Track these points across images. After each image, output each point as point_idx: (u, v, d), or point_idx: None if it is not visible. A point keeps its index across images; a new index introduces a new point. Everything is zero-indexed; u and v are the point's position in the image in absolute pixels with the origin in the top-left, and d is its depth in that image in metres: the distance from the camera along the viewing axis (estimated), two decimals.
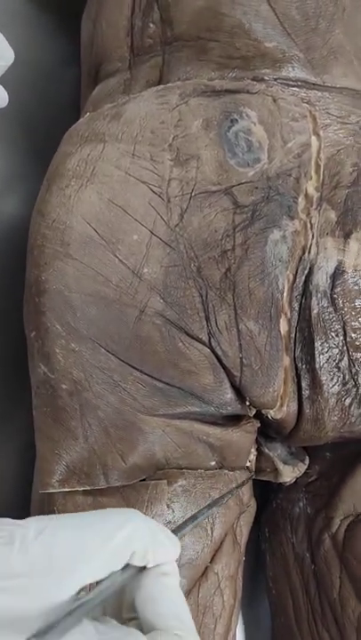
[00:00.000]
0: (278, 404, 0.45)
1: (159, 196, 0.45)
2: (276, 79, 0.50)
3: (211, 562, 0.45)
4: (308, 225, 0.46)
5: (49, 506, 0.42)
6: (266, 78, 0.50)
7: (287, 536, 0.55)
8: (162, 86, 0.48)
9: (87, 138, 0.47)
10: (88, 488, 0.41)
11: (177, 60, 0.50)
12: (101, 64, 0.52)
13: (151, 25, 0.51)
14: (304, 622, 0.53)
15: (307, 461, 0.52)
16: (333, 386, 0.46)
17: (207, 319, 0.43)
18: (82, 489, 0.41)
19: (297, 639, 0.53)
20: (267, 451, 0.50)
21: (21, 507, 0.49)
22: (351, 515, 0.50)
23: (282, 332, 0.44)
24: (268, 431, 0.50)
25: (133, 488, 0.43)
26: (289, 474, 0.50)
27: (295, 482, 0.53)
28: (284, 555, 0.55)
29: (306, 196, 0.47)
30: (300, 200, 0.46)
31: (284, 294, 0.45)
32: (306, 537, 0.53)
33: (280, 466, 0.50)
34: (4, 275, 0.56)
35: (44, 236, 0.45)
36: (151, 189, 0.45)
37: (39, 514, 0.45)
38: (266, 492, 0.57)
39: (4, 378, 0.56)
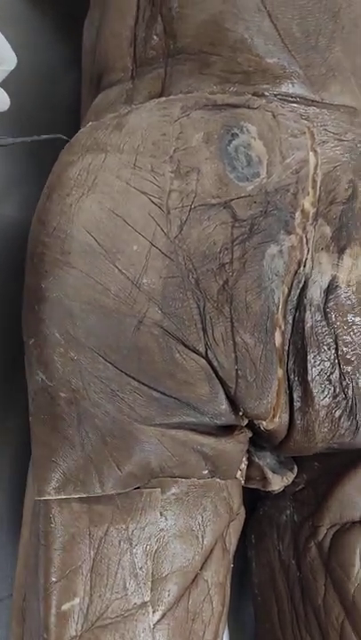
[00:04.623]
0: (271, 415, 0.46)
1: (159, 208, 0.45)
2: (275, 95, 0.51)
3: (201, 569, 0.46)
4: (305, 240, 0.47)
5: (45, 513, 0.42)
6: (266, 94, 0.50)
7: (273, 543, 0.56)
8: (164, 98, 0.49)
9: (89, 147, 0.47)
10: (84, 496, 0.42)
11: (179, 73, 0.50)
12: (103, 73, 0.53)
13: (155, 37, 0.51)
14: (288, 628, 0.54)
15: (295, 471, 0.53)
16: (324, 398, 0.47)
17: (204, 331, 0.44)
18: (78, 496, 0.42)
19: None
20: (256, 460, 0.51)
21: (14, 509, 0.49)
22: (337, 524, 0.52)
23: (276, 345, 0.45)
24: (259, 441, 0.51)
25: (128, 496, 0.43)
26: (278, 483, 0.51)
27: (283, 490, 0.54)
28: (270, 562, 0.56)
29: (303, 211, 0.47)
30: (297, 215, 0.47)
31: (280, 307, 0.46)
32: (292, 544, 0.54)
33: (269, 475, 0.51)
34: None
35: (45, 244, 0.45)
36: (152, 200, 0.45)
37: (34, 521, 0.45)
38: (253, 499, 0.58)
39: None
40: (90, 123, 0.49)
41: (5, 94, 0.48)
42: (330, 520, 0.52)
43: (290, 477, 0.52)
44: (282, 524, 0.56)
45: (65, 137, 0.53)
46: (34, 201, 0.54)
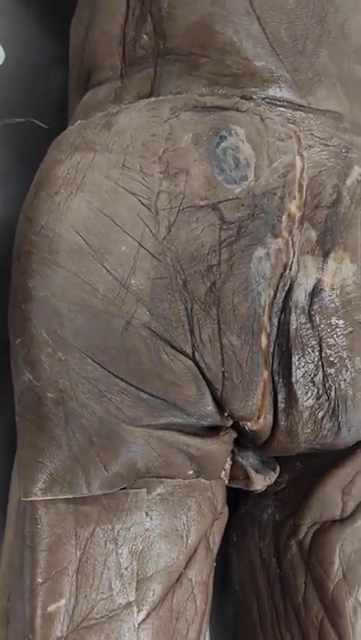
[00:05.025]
0: (256, 416, 0.46)
1: (148, 209, 0.45)
2: (263, 98, 0.51)
3: (185, 568, 0.46)
4: (290, 243, 0.48)
5: (31, 514, 0.42)
6: (254, 97, 0.51)
7: (255, 541, 0.57)
8: (153, 99, 0.49)
9: (77, 146, 0.47)
10: (70, 496, 0.42)
11: (169, 74, 0.50)
12: (92, 71, 0.52)
13: (144, 36, 0.51)
14: (268, 625, 0.54)
15: (278, 470, 0.54)
16: (308, 399, 0.48)
17: (192, 332, 0.44)
18: (64, 497, 0.42)
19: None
20: (240, 459, 0.52)
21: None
22: (318, 522, 0.52)
23: (262, 347, 0.46)
24: (243, 441, 0.51)
25: (114, 496, 0.43)
26: (261, 482, 0.52)
27: (265, 489, 0.55)
28: (251, 559, 0.56)
29: (289, 214, 0.48)
30: (284, 219, 0.48)
31: (265, 310, 0.46)
32: (273, 543, 0.55)
33: (252, 474, 0.51)
34: None
35: (32, 243, 0.45)
36: (140, 201, 0.45)
37: (18, 522, 0.45)
38: (234, 498, 0.58)
39: None
40: (78, 121, 0.49)
41: None
42: (311, 519, 0.52)
43: (272, 477, 0.53)
44: (263, 523, 0.56)
45: (37, 121, 0.52)
46: (20, 198, 0.54)
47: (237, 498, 0.58)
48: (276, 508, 0.56)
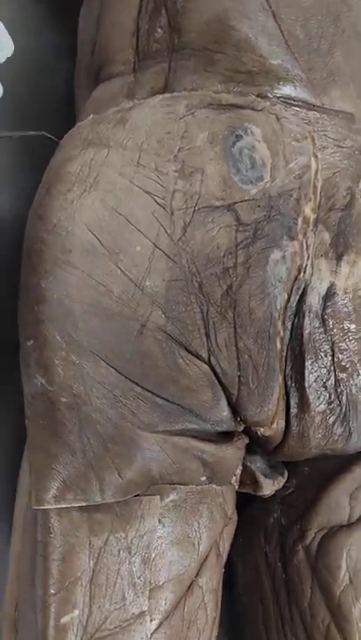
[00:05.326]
0: (270, 421, 0.45)
1: (163, 208, 0.44)
2: (278, 97, 0.50)
3: (196, 576, 0.45)
4: (305, 246, 0.47)
5: (43, 523, 0.40)
6: (269, 95, 0.50)
7: (260, 545, 0.56)
8: (169, 95, 0.47)
9: (90, 141, 0.45)
10: (84, 504, 0.40)
11: (184, 69, 0.49)
12: (104, 64, 0.51)
13: (159, 30, 0.50)
14: (273, 630, 0.54)
15: (286, 475, 0.53)
16: (320, 404, 0.47)
17: (207, 336, 0.43)
18: (77, 505, 0.40)
19: None
20: (248, 464, 0.51)
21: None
22: (325, 527, 0.52)
23: (277, 351, 0.45)
24: (252, 445, 0.50)
25: (127, 503, 0.42)
26: (269, 487, 0.51)
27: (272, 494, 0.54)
28: (256, 563, 0.56)
29: (304, 217, 0.47)
30: (300, 221, 0.47)
31: (280, 314, 0.46)
32: (279, 547, 0.55)
33: (261, 479, 0.51)
34: None
35: (44, 241, 0.43)
36: (155, 200, 0.44)
37: (27, 530, 0.44)
38: (240, 502, 0.58)
39: None
40: (90, 116, 0.47)
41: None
42: (318, 524, 0.52)
43: (281, 482, 0.52)
44: (269, 527, 0.56)
45: (50, 135, 0.51)
46: (27, 194, 0.52)
47: (242, 502, 0.58)
48: (283, 512, 0.55)
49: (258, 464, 0.52)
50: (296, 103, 0.51)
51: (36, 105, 0.56)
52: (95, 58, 0.52)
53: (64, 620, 0.39)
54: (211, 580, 0.46)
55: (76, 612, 0.39)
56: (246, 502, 0.57)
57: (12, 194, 0.54)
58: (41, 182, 0.47)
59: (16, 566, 0.44)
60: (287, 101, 0.50)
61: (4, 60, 0.45)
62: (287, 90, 0.50)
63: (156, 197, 0.44)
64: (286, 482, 0.54)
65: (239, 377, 0.44)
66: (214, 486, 0.47)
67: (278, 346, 0.45)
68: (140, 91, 0.49)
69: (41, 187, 0.46)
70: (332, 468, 0.53)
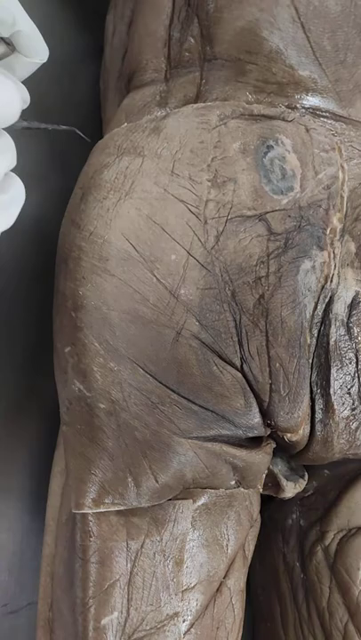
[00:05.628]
0: (299, 428, 0.47)
1: (197, 217, 0.45)
2: (307, 108, 0.51)
3: (224, 577, 0.46)
4: (332, 255, 0.48)
5: (82, 526, 0.41)
6: (298, 106, 0.51)
7: (278, 546, 0.57)
8: (202, 104, 0.48)
9: (125, 149, 0.46)
10: (122, 508, 0.41)
11: (216, 79, 0.50)
12: (135, 71, 0.51)
13: (190, 39, 0.50)
14: (290, 627, 0.55)
15: (306, 477, 0.54)
16: (344, 410, 0.48)
17: (240, 344, 0.44)
18: (115, 509, 0.41)
19: None
20: (271, 467, 0.52)
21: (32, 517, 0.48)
22: (344, 529, 0.53)
23: (307, 359, 0.46)
24: (275, 449, 0.51)
25: (161, 507, 0.43)
26: (291, 490, 0.52)
27: None
28: (274, 563, 0.57)
29: (332, 227, 0.48)
30: (328, 231, 0.48)
31: (309, 322, 0.47)
32: (297, 548, 0.56)
33: (283, 482, 0.52)
34: (17, 277, 0.54)
35: (81, 249, 0.44)
36: (189, 209, 0.45)
37: (61, 530, 0.44)
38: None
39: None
40: (125, 123, 0.48)
41: (27, 92, 0.45)
42: (338, 526, 0.53)
43: (302, 484, 0.53)
44: (287, 528, 0.57)
45: (79, 132, 0.51)
46: (53, 197, 0.53)
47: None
48: (302, 513, 0.56)
49: (279, 467, 0.53)
50: (324, 114, 0.52)
51: (61, 109, 0.56)
52: (127, 64, 0.53)
53: (104, 621, 0.40)
54: (238, 582, 0.48)
55: (115, 614, 0.40)
56: (263, 503, 0.59)
57: (38, 196, 0.54)
58: (75, 187, 0.47)
59: (49, 567, 0.45)
60: (315, 112, 0.51)
61: (39, 66, 0.45)
62: (315, 101, 0.51)
63: (189, 206, 0.45)
64: (306, 484, 0.55)
65: (270, 384, 0.45)
66: (242, 490, 0.48)
67: (307, 354, 0.46)
68: (172, 99, 0.50)
69: (75, 192, 0.47)
70: (351, 471, 0.54)
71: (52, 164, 0.56)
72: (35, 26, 0.44)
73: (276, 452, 0.53)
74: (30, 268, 0.54)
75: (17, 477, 0.51)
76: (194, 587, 0.44)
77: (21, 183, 0.39)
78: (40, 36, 0.44)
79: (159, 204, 0.44)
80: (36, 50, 0.43)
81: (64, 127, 0.47)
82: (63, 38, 0.59)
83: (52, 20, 0.58)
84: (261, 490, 0.52)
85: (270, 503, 0.59)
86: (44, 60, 0.46)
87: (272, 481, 0.53)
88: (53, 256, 0.48)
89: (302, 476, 0.54)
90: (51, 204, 0.52)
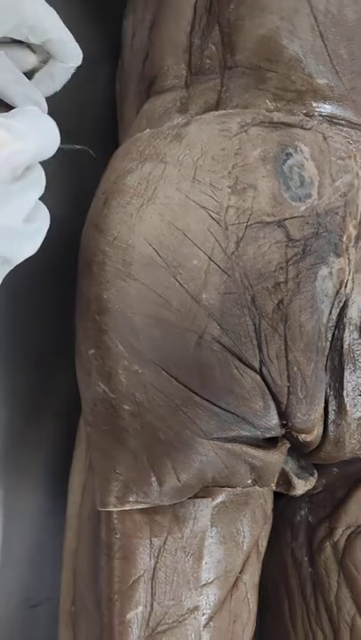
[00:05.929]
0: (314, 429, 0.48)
1: (218, 223, 0.46)
2: (324, 116, 0.52)
3: (240, 572, 0.48)
4: (348, 261, 0.49)
5: (107, 524, 0.43)
6: (316, 114, 0.51)
7: (286, 541, 0.59)
8: (223, 112, 0.49)
9: (147, 156, 0.47)
10: (145, 506, 0.43)
11: (236, 86, 0.50)
12: (156, 77, 0.52)
13: (211, 46, 0.51)
14: (298, 620, 0.57)
15: (316, 475, 0.56)
16: (356, 412, 0.50)
17: (259, 348, 0.45)
18: (139, 507, 0.43)
19: (290, 636, 0.57)
20: (282, 465, 0.53)
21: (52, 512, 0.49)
22: (353, 526, 0.55)
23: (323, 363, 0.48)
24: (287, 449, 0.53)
25: (182, 505, 0.45)
26: (302, 487, 0.54)
27: None
28: (283, 558, 0.59)
29: (348, 234, 0.49)
30: (345, 238, 0.49)
31: (326, 327, 0.48)
32: (306, 543, 0.58)
33: (294, 480, 0.53)
34: (31, 278, 0.55)
35: (105, 253, 0.45)
36: (210, 215, 0.46)
37: (82, 527, 0.46)
38: None
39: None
40: (147, 130, 0.48)
41: (44, 100, 0.46)
42: (346, 522, 0.55)
43: (312, 482, 0.55)
44: (296, 524, 0.59)
45: (91, 151, 0.52)
46: (68, 198, 0.53)
47: None
48: (310, 510, 0.58)
49: (290, 465, 0.55)
50: (340, 122, 0.52)
51: (77, 111, 0.57)
52: (148, 68, 0.53)
53: (129, 615, 0.41)
54: (252, 577, 0.49)
55: (140, 609, 0.42)
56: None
57: (54, 198, 0.55)
58: (97, 191, 0.48)
59: (71, 563, 0.46)
60: (332, 120, 0.52)
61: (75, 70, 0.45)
62: (332, 109, 0.52)
63: (211, 212, 0.46)
64: (315, 482, 0.57)
65: (288, 387, 0.46)
66: (257, 488, 0.49)
67: (324, 358, 0.48)
68: (192, 106, 0.51)
69: (97, 197, 0.48)
70: (360, 469, 0.56)
71: (66, 164, 0.56)
72: (68, 30, 0.44)
73: (287, 451, 0.54)
74: (44, 269, 0.54)
75: (36, 475, 0.52)
76: (212, 582, 0.45)
77: (47, 211, 0.39)
78: (73, 40, 0.45)
79: (181, 210, 0.45)
80: (70, 55, 0.44)
81: (78, 147, 0.48)
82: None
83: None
84: (274, 488, 0.53)
85: (279, 499, 0.60)
86: (79, 64, 0.46)
87: (283, 479, 0.54)
88: (68, 257, 0.49)
89: (312, 474, 0.55)
90: (64, 205, 0.53)
